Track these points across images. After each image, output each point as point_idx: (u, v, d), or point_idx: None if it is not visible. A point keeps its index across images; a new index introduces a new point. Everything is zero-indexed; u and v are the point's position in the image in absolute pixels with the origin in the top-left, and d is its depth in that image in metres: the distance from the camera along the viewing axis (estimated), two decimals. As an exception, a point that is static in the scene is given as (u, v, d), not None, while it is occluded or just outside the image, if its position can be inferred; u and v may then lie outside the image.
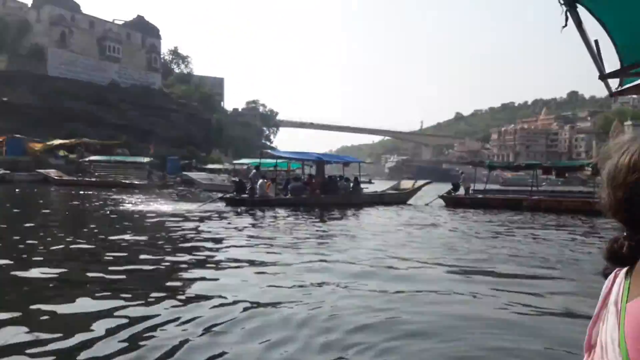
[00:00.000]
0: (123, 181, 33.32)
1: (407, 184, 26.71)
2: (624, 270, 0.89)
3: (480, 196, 23.28)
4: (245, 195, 18.83)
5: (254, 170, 20.73)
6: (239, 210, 16.88)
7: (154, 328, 4.13)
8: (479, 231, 12.34)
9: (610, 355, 0.81)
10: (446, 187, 27.34)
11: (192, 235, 10.16)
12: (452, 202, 22.89)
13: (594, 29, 2.27)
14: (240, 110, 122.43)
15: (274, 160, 24.79)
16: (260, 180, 19.07)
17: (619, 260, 0.89)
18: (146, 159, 35.42)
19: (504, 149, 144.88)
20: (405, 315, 4.67)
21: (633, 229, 0.87)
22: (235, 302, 4.94)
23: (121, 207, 16.76)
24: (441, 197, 23.70)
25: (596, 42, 2.29)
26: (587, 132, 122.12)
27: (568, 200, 21.22)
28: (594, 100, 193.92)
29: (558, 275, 6.88)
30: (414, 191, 25.16)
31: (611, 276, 0.92)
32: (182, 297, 5.22)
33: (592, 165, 25.07)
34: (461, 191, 24.19)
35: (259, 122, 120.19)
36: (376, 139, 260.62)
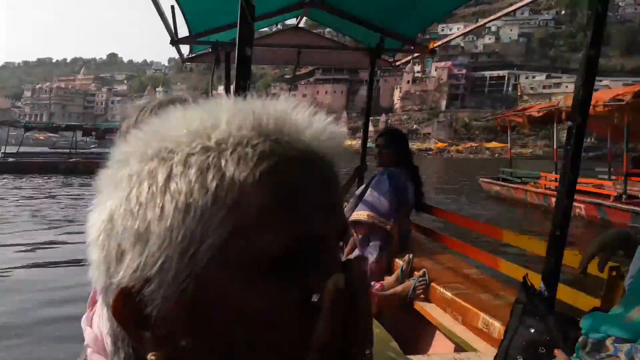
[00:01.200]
0: None
1: None
2: None
3: (12, 160, 21.11)
4: None
5: None
6: None
7: None
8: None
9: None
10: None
11: None
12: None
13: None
14: None
15: None
16: None
17: None
18: None
19: (37, 108, 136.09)
20: None
21: None
22: None
23: None
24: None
25: (172, 8, 2.29)
26: (124, 94, 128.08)
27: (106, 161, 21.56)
28: (132, 64, 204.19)
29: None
30: None
31: None
32: None
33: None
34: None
35: None
36: None
